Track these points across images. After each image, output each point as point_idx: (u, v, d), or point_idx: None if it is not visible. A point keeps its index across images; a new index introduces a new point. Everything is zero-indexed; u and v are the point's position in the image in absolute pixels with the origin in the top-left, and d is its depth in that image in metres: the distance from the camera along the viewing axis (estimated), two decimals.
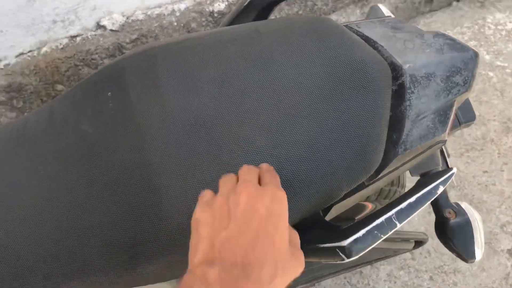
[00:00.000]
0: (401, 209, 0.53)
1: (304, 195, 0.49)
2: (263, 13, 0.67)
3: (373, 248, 0.52)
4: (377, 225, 0.51)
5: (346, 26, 0.61)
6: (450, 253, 0.64)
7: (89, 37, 1.12)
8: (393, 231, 0.52)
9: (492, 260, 1.21)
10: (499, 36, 1.63)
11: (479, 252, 0.62)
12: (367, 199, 0.89)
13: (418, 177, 0.64)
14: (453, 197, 1.25)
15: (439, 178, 0.56)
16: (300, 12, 1.32)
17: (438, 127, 0.54)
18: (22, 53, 1.09)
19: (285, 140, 0.50)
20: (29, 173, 0.53)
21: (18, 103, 1.11)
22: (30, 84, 1.10)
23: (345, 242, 0.50)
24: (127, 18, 1.14)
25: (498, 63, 1.55)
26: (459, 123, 0.71)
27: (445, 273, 1.20)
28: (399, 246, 0.96)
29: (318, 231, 0.55)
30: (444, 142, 0.57)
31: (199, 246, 0.37)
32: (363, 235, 0.51)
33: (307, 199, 0.50)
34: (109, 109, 0.53)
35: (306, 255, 0.49)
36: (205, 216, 0.39)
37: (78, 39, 1.12)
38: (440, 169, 0.65)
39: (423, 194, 0.55)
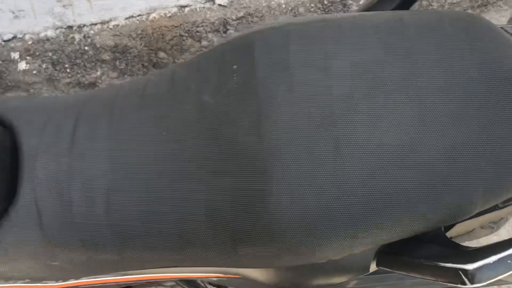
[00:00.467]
0: None
1: (434, 206, 0.45)
2: (406, 3, 0.62)
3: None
4: None
5: (502, 28, 0.54)
6: None
7: (198, 9, 1.12)
8: None
9: None
10: None
11: None
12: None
13: None
14: None
15: None
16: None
17: None
18: (132, 16, 1.11)
19: (422, 144, 0.45)
20: (151, 132, 0.52)
21: (121, 64, 1.14)
22: (134, 48, 1.11)
23: (471, 266, 0.45)
24: None
25: None
26: None
27: None
28: None
29: (437, 248, 0.50)
30: None
31: None
32: (494, 262, 0.45)
33: (437, 210, 0.45)
34: (233, 83, 0.50)
35: (421, 271, 0.44)
36: None
37: (187, 9, 1.12)
38: None
39: None
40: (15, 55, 1.06)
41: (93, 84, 1.16)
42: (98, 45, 1.09)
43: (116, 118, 0.54)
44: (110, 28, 1.10)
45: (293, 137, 0.45)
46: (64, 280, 0.57)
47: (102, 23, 1.09)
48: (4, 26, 1.03)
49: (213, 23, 1.13)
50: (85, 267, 0.53)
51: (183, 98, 0.53)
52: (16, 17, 1.03)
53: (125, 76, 1.17)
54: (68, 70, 1.11)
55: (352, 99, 0.46)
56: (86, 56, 1.10)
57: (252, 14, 1.14)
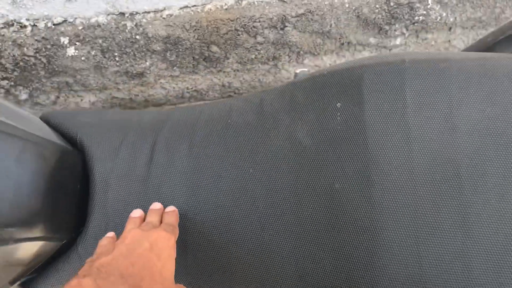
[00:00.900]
0: None
1: None
2: None
3: None
4: None
5: None
6: None
7: (256, 2, 1.05)
8: None
9: None
10: None
11: None
12: None
13: None
14: None
15: None
16: None
17: None
18: (186, 6, 1.05)
19: None
20: (236, 165, 0.48)
21: (171, 56, 1.09)
22: (187, 40, 1.06)
23: None
24: None
25: None
26: None
27: None
28: None
29: None
30: None
31: (79, 272, 0.39)
32: None
33: None
34: (336, 124, 0.45)
35: None
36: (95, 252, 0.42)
37: (244, 2, 1.05)
38: None
39: None
40: (64, 40, 1.01)
41: (141, 75, 1.11)
42: (150, 35, 1.04)
43: (196, 146, 0.50)
44: (164, 18, 1.04)
45: (409, 203, 0.39)
46: None
47: (156, 11, 1.03)
48: (55, 9, 0.99)
49: (271, 18, 1.06)
50: None
51: (273, 131, 0.48)
52: (68, 0, 0.98)
53: (174, 68, 1.12)
54: (117, 59, 1.07)
55: (480, 158, 0.40)
56: (136, 45, 1.05)
57: (313, 12, 1.07)
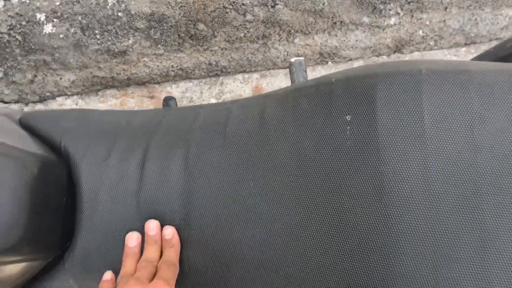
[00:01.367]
0: None
1: None
2: None
3: None
4: None
5: None
6: None
7: None
8: None
9: None
10: None
11: None
12: None
13: None
14: None
15: None
16: None
17: None
18: None
19: None
20: (235, 177, 0.45)
21: (155, 34, 1.03)
22: (172, 17, 1.00)
23: None
24: None
25: None
26: None
27: None
28: None
29: None
30: None
31: None
32: None
33: None
34: (345, 138, 0.41)
35: None
36: None
37: None
38: None
39: None
40: (41, 16, 0.95)
41: (123, 53, 1.06)
42: (133, 12, 0.97)
43: (191, 157, 0.47)
44: None
45: (426, 225, 0.37)
46: None
47: None
48: None
49: None
50: None
51: (276, 142, 0.44)
52: None
53: (158, 46, 1.06)
54: (97, 36, 1.01)
55: (502, 181, 0.37)
56: (118, 23, 0.99)
57: None
